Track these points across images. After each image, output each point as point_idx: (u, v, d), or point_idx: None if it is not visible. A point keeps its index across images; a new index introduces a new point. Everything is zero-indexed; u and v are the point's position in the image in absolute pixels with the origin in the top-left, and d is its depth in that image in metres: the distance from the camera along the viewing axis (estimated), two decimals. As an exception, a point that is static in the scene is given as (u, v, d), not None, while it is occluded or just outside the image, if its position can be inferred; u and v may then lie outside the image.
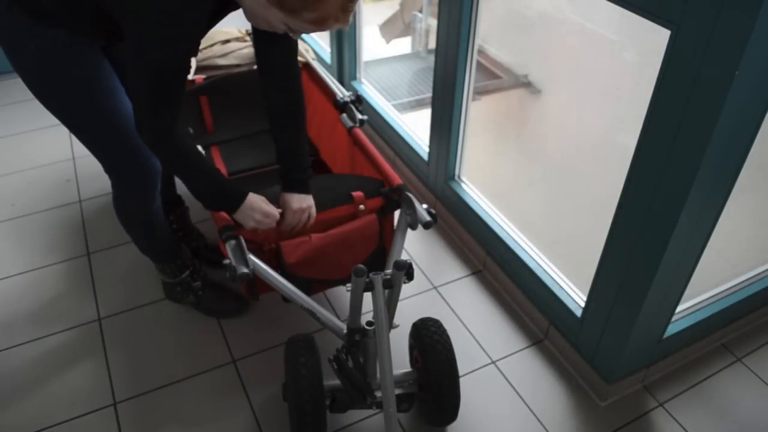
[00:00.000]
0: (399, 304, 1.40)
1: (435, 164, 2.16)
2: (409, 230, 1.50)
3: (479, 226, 1.98)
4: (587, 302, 1.58)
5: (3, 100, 2.88)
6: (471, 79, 1.90)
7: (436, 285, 1.96)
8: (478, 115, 2.04)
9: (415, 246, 2.11)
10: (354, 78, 2.71)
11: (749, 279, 1.73)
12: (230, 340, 1.75)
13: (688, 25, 1.07)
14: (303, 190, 1.48)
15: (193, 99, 2.02)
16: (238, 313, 1.82)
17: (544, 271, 1.77)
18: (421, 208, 1.46)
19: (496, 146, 2.23)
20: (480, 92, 2.14)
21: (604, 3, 1.24)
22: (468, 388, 1.60)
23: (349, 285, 1.30)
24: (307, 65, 2.14)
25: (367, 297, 1.29)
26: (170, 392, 1.61)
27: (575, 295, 1.69)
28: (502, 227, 1.92)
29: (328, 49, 2.86)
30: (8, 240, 2.11)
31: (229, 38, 2.14)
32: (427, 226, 1.44)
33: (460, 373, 1.45)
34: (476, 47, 1.85)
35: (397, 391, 1.43)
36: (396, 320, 1.42)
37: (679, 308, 1.54)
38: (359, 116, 1.82)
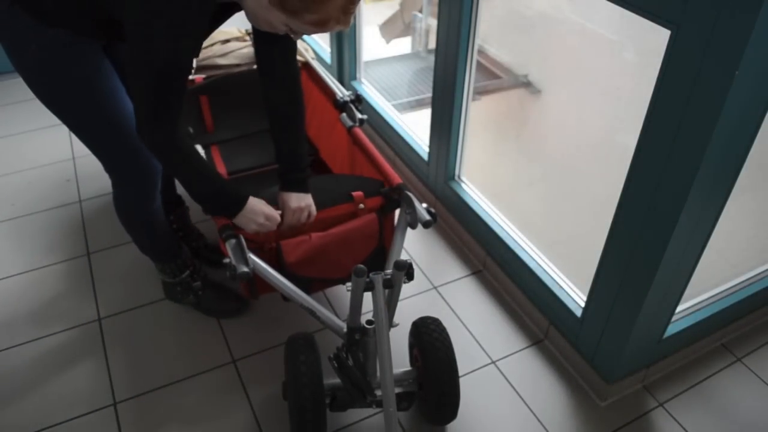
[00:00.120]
0: (399, 303, 1.40)
1: (435, 164, 2.16)
2: (409, 230, 1.50)
3: (479, 226, 1.98)
4: (587, 302, 1.58)
5: (3, 100, 2.88)
6: (471, 79, 1.90)
7: (436, 285, 1.96)
8: (478, 115, 2.04)
9: (415, 246, 2.11)
10: (354, 78, 2.71)
11: (749, 279, 1.73)
12: (230, 340, 1.75)
13: (688, 25, 1.07)
14: (302, 189, 1.48)
15: (192, 98, 2.02)
16: (238, 313, 1.82)
17: (544, 271, 1.77)
18: (421, 207, 1.46)
19: (496, 146, 2.23)
20: (480, 92, 2.14)
21: (604, 3, 1.24)
22: (468, 387, 1.60)
23: (349, 284, 1.30)
24: (306, 65, 2.14)
25: (367, 296, 1.29)
26: (170, 392, 1.61)
27: (575, 295, 1.69)
28: (502, 227, 1.92)
29: (328, 49, 2.86)
30: (8, 240, 2.11)
31: (229, 38, 2.14)
32: (426, 225, 1.44)
33: (460, 373, 1.45)
34: (476, 47, 1.85)
35: (397, 390, 1.43)
36: (396, 320, 1.42)
37: (679, 308, 1.54)
38: (359, 115, 1.82)
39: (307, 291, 1.43)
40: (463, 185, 2.10)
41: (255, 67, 2.14)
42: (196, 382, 1.64)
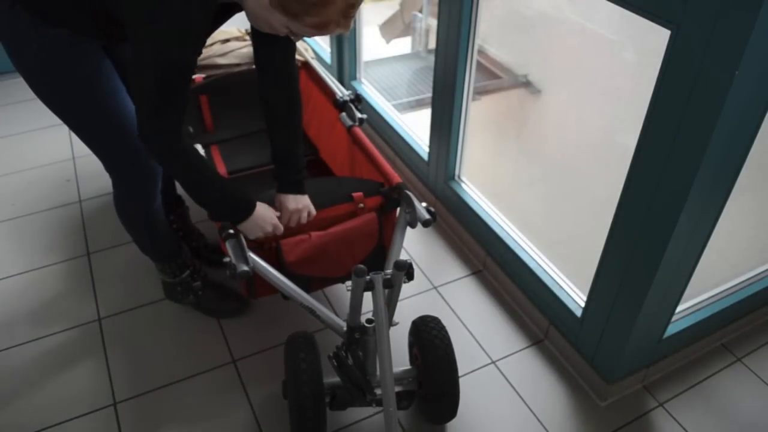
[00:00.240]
0: (399, 303, 1.40)
1: (435, 164, 2.16)
2: (408, 230, 1.50)
3: (479, 226, 1.98)
4: (587, 302, 1.58)
5: (3, 100, 2.88)
6: (471, 79, 1.90)
7: (436, 285, 1.96)
8: (478, 115, 2.04)
9: (415, 246, 2.11)
10: (354, 78, 2.71)
11: (749, 279, 1.73)
12: (230, 340, 1.75)
13: (688, 25, 1.07)
14: (299, 190, 1.49)
15: (192, 98, 2.03)
16: (238, 313, 1.82)
17: (544, 271, 1.77)
18: (421, 207, 1.46)
19: (496, 146, 2.23)
20: (480, 92, 2.14)
21: (604, 3, 1.24)
22: (468, 387, 1.60)
23: (349, 284, 1.30)
24: (306, 64, 2.14)
25: (367, 296, 1.29)
26: (170, 392, 1.61)
27: (575, 295, 1.69)
28: (502, 227, 1.92)
29: (328, 49, 2.86)
30: (8, 240, 2.11)
31: (229, 38, 2.14)
32: (426, 224, 1.44)
33: (460, 373, 1.45)
34: (476, 47, 1.85)
35: (397, 389, 1.43)
36: (395, 319, 1.42)
37: (679, 308, 1.54)
38: (358, 115, 1.82)
39: (307, 290, 1.43)
40: (463, 185, 2.10)
41: (254, 66, 2.14)
42: (196, 382, 1.64)
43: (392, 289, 1.34)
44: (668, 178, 1.21)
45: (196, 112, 2.07)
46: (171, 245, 1.72)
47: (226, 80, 2.06)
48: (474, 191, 2.06)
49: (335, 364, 1.36)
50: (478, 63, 1.91)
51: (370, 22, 3.35)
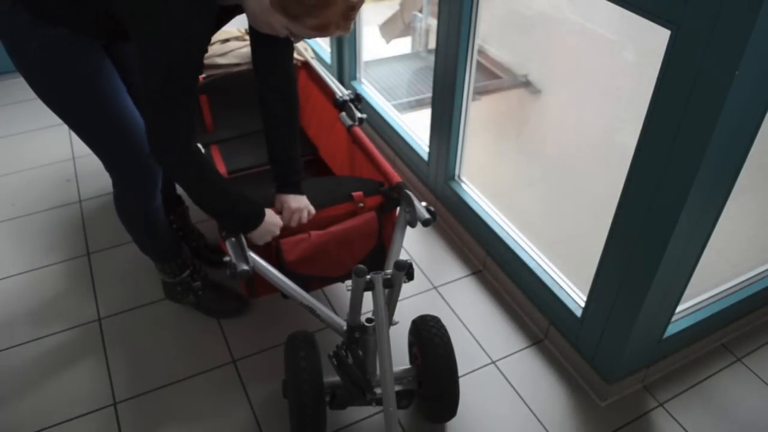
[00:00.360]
0: (399, 303, 1.40)
1: (435, 164, 2.16)
2: (408, 230, 1.50)
3: (479, 226, 1.98)
4: (587, 302, 1.58)
5: (3, 100, 2.87)
6: (471, 79, 1.90)
7: (436, 285, 1.96)
8: (478, 115, 2.04)
9: (415, 246, 2.11)
10: (354, 78, 2.71)
11: (749, 279, 1.73)
12: (230, 340, 1.75)
13: (688, 25, 1.07)
14: (298, 191, 1.50)
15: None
16: (238, 313, 1.82)
17: (544, 271, 1.77)
18: (420, 206, 1.47)
19: (496, 146, 2.23)
20: (480, 92, 2.14)
21: (604, 3, 1.24)
22: (468, 387, 1.60)
23: (349, 283, 1.30)
24: (306, 64, 2.14)
25: (367, 295, 1.29)
26: (170, 392, 1.61)
27: (575, 295, 1.69)
28: (502, 227, 1.92)
29: (328, 49, 2.86)
30: (8, 240, 2.11)
31: (229, 37, 2.14)
32: (426, 223, 1.44)
33: (460, 373, 1.45)
34: (476, 47, 1.85)
35: (397, 388, 1.44)
36: (395, 318, 1.42)
37: (679, 308, 1.54)
38: (358, 114, 1.82)
39: (307, 289, 1.43)
40: (463, 185, 2.10)
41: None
42: (196, 382, 1.64)
43: (392, 288, 1.34)
44: (668, 178, 1.21)
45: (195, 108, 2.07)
46: (171, 245, 1.72)
47: (226, 80, 2.06)
48: (474, 191, 2.06)
49: (335, 363, 1.36)
50: (478, 63, 1.91)
51: (370, 22, 3.35)
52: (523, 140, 2.10)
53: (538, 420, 1.57)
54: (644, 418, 1.58)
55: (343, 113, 1.87)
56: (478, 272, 2.01)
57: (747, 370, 1.70)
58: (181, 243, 1.78)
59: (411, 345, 1.53)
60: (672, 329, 1.57)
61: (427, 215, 1.45)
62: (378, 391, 1.38)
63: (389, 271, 1.32)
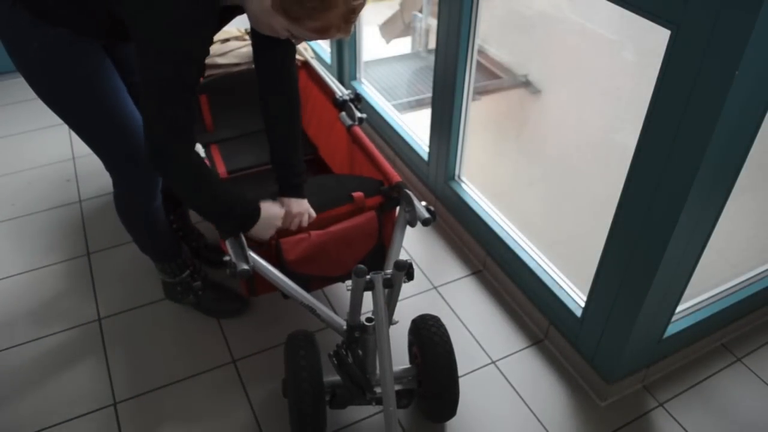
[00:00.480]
0: (399, 303, 1.40)
1: (435, 164, 2.16)
2: (408, 230, 1.50)
3: (479, 226, 1.98)
4: (587, 302, 1.58)
5: (3, 100, 2.87)
6: (471, 79, 1.90)
7: (436, 285, 1.96)
8: (478, 115, 2.04)
9: (415, 246, 2.11)
10: (354, 78, 2.71)
11: (749, 279, 1.73)
12: (230, 340, 1.75)
13: (688, 25, 1.07)
14: (299, 194, 1.49)
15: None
16: (238, 313, 1.82)
17: (544, 271, 1.77)
18: (420, 206, 1.47)
19: (496, 146, 2.23)
20: (480, 92, 2.14)
21: (604, 3, 1.24)
22: (468, 387, 1.60)
23: (349, 283, 1.30)
24: (306, 64, 2.14)
25: (367, 295, 1.29)
26: (170, 392, 1.61)
27: (575, 295, 1.68)
28: (502, 227, 1.92)
29: (328, 49, 2.86)
30: (8, 240, 2.11)
31: (229, 37, 2.14)
32: (426, 223, 1.45)
33: (460, 373, 1.45)
34: (476, 47, 1.85)
35: (397, 387, 1.44)
36: (395, 318, 1.42)
37: (679, 308, 1.54)
38: (358, 114, 1.82)
39: (307, 289, 1.43)
40: (463, 185, 2.10)
41: (254, 66, 2.14)
42: (196, 382, 1.64)
43: (392, 288, 1.34)
44: (668, 178, 1.21)
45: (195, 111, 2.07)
46: (171, 245, 1.73)
47: (226, 80, 2.06)
48: (474, 191, 2.06)
49: (335, 362, 1.36)
50: (478, 63, 1.91)
51: (370, 22, 3.35)
52: (523, 140, 2.10)
53: (538, 420, 1.57)
54: (644, 418, 1.58)
55: (343, 113, 1.87)
56: (478, 272, 2.01)
57: (747, 370, 1.70)
58: (181, 243, 1.78)
59: (411, 344, 1.53)
60: (672, 329, 1.57)
61: (426, 215, 1.45)
62: (378, 390, 1.38)
63: (389, 271, 1.32)
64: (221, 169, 2.01)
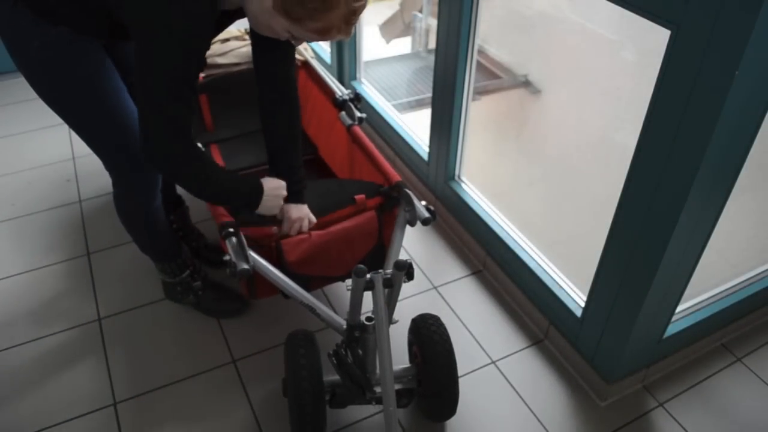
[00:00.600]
0: (399, 303, 1.40)
1: (435, 164, 2.16)
2: (408, 230, 1.50)
3: (479, 226, 1.98)
4: (587, 302, 1.58)
5: (3, 100, 2.87)
6: (471, 79, 1.90)
7: (436, 285, 1.96)
8: (478, 115, 2.04)
9: (415, 246, 2.11)
10: (354, 78, 2.71)
11: (749, 279, 1.73)
12: (230, 340, 1.75)
13: (688, 25, 1.07)
14: (299, 200, 1.50)
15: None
16: (238, 313, 1.82)
17: (544, 271, 1.77)
18: (420, 205, 1.47)
19: (496, 146, 2.23)
20: (480, 92, 2.15)
21: (604, 3, 1.24)
22: (468, 387, 1.60)
23: (349, 283, 1.30)
24: (305, 63, 2.14)
25: (367, 294, 1.29)
26: (170, 392, 1.61)
27: (575, 295, 1.69)
28: (502, 227, 1.92)
29: (328, 49, 2.86)
30: (8, 240, 2.11)
31: (228, 37, 2.14)
32: (426, 222, 1.45)
33: (460, 373, 1.46)
34: (476, 47, 1.85)
35: (397, 387, 1.44)
36: (395, 317, 1.42)
37: (679, 308, 1.54)
38: (358, 114, 1.82)
39: (307, 288, 1.43)
40: (463, 185, 2.10)
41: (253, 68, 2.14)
42: (196, 382, 1.64)
43: (392, 288, 1.34)
44: (668, 178, 1.21)
45: (195, 111, 2.07)
46: (171, 245, 1.73)
47: (226, 79, 2.06)
48: (474, 191, 2.06)
49: (335, 362, 1.36)
50: (478, 63, 1.91)
51: (370, 22, 3.35)
52: (523, 140, 2.10)
53: (538, 420, 1.57)
54: (644, 418, 1.58)
55: (343, 113, 1.87)
56: (478, 272, 2.01)
57: (747, 370, 1.70)
58: (181, 243, 1.78)
59: (411, 344, 1.53)
60: (672, 329, 1.57)
61: (426, 214, 1.45)
62: (378, 389, 1.38)
63: (389, 270, 1.32)
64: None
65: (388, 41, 3.38)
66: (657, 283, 1.34)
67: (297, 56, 2.11)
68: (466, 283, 1.97)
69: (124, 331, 1.78)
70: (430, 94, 2.07)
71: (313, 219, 1.50)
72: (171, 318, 1.82)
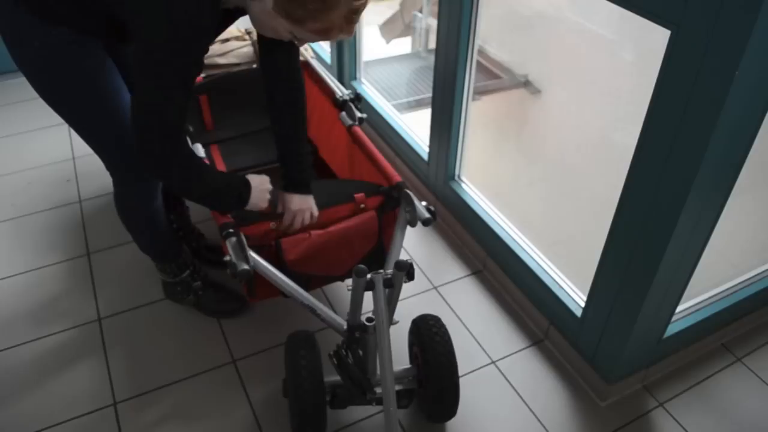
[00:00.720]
0: (399, 303, 1.40)
1: (435, 164, 2.16)
2: (409, 230, 1.50)
3: (479, 226, 1.98)
4: (587, 302, 1.58)
5: (3, 100, 2.87)
6: (471, 79, 1.90)
7: (436, 285, 1.96)
8: (478, 115, 2.04)
9: (415, 246, 2.11)
10: (354, 78, 2.71)
11: (749, 279, 1.73)
12: (230, 340, 1.75)
13: (688, 25, 1.07)
14: (304, 190, 1.49)
15: (192, 98, 2.02)
16: (238, 313, 1.82)
17: (544, 271, 1.77)
18: (420, 205, 1.47)
19: (496, 146, 2.23)
20: (480, 92, 2.15)
21: (604, 3, 1.24)
22: (468, 387, 1.60)
23: (349, 283, 1.30)
24: (306, 64, 2.14)
25: (368, 294, 1.29)
26: (170, 392, 1.61)
27: (575, 295, 1.69)
28: (502, 227, 1.92)
29: (328, 49, 2.86)
30: (8, 240, 2.11)
31: (229, 37, 2.15)
32: (426, 223, 1.45)
33: (460, 373, 1.45)
34: (476, 47, 1.85)
35: (397, 388, 1.44)
36: (396, 318, 1.42)
37: (679, 308, 1.54)
38: (358, 114, 1.82)
39: (307, 288, 1.43)
40: (463, 185, 2.10)
41: (254, 66, 2.14)
42: (196, 381, 1.64)
43: (392, 288, 1.34)
44: (668, 178, 1.21)
45: (196, 111, 2.07)
46: (171, 245, 1.73)
47: (226, 80, 2.06)
48: (474, 191, 2.06)
49: (335, 362, 1.36)
50: (478, 63, 1.91)
51: (370, 22, 3.35)
52: (523, 140, 2.10)
53: (538, 420, 1.57)
54: (644, 418, 1.58)
55: (343, 113, 1.87)
56: (478, 272, 2.01)
57: (747, 370, 1.70)
58: (181, 243, 1.78)
59: (411, 345, 1.53)
60: (672, 329, 1.57)
61: (427, 215, 1.45)
62: (378, 390, 1.38)
63: (389, 271, 1.32)
64: (221, 169, 2.01)
65: (388, 41, 3.38)
66: (657, 283, 1.34)
67: (297, 56, 2.11)
68: (466, 283, 1.97)
69: (124, 331, 1.78)
70: (430, 94, 2.07)
71: (316, 212, 1.49)
72: (171, 318, 1.82)
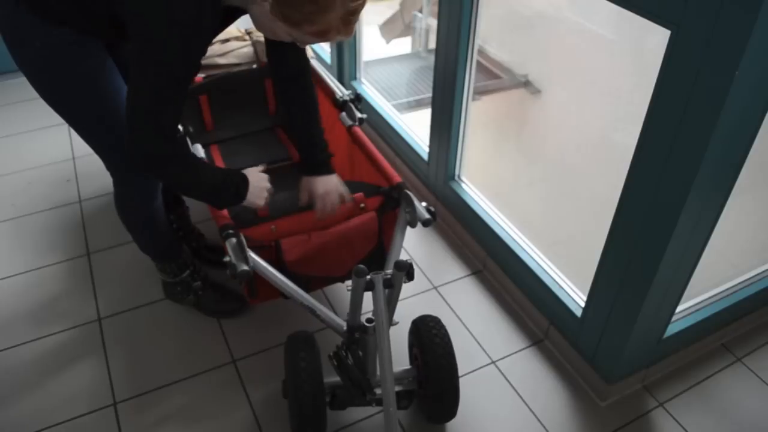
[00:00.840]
0: (399, 303, 1.40)
1: (435, 164, 2.16)
2: (409, 230, 1.50)
3: (479, 226, 1.98)
4: (587, 302, 1.58)
5: (3, 100, 2.87)
6: (471, 79, 1.90)
7: (436, 285, 1.96)
8: (478, 115, 2.04)
9: (415, 246, 2.11)
10: (354, 78, 2.71)
11: (749, 279, 1.73)
12: (230, 340, 1.75)
13: (688, 25, 1.07)
14: (326, 171, 1.50)
15: (192, 98, 2.02)
16: (238, 313, 1.82)
17: (544, 271, 1.77)
18: (420, 206, 1.47)
19: (496, 146, 2.23)
20: (480, 92, 2.15)
21: (604, 3, 1.24)
22: (468, 387, 1.60)
23: (349, 283, 1.30)
24: (306, 65, 2.13)
25: (367, 295, 1.29)
26: (170, 392, 1.61)
27: (575, 295, 1.68)
28: (502, 227, 1.92)
29: (328, 50, 2.86)
30: (8, 240, 2.11)
31: (229, 37, 2.14)
32: (426, 223, 1.45)
33: (460, 373, 1.45)
34: (476, 47, 1.85)
35: (397, 388, 1.44)
36: (395, 318, 1.42)
37: (679, 308, 1.54)
38: (358, 114, 1.82)
39: (307, 289, 1.43)
40: (463, 185, 2.10)
41: (254, 66, 2.14)
42: (196, 382, 1.64)
43: (392, 289, 1.34)
44: (668, 178, 1.21)
45: (196, 111, 2.07)
46: (171, 245, 1.73)
47: (226, 80, 2.06)
48: (474, 191, 2.06)
49: (335, 363, 1.36)
50: (478, 63, 1.91)
51: (370, 22, 3.35)
52: (523, 140, 2.10)
53: (538, 420, 1.57)
54: (644, 418, 1.58)
55: (343, 113, 1.87)
56: (478, 272, 2.01)
57: (747, 370, 1.70)
58: (181, 243, 1.78)
59: (411, 345, 1.53)
60: (672, 329, 1.57)
61: (427, 215, 1.45)
62: (378, 391, 1.38)
63: (389, 271, 1.32)
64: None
65: (388, 41, 3.38)
66: (657, 283, 1.34)
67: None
68: (466, 283, 1.97)
69: (124, 331, 1.78)
70: (430, 94, 2.07)
71: (346, 190, 1.49)
72: (171, 318, 1.82)
